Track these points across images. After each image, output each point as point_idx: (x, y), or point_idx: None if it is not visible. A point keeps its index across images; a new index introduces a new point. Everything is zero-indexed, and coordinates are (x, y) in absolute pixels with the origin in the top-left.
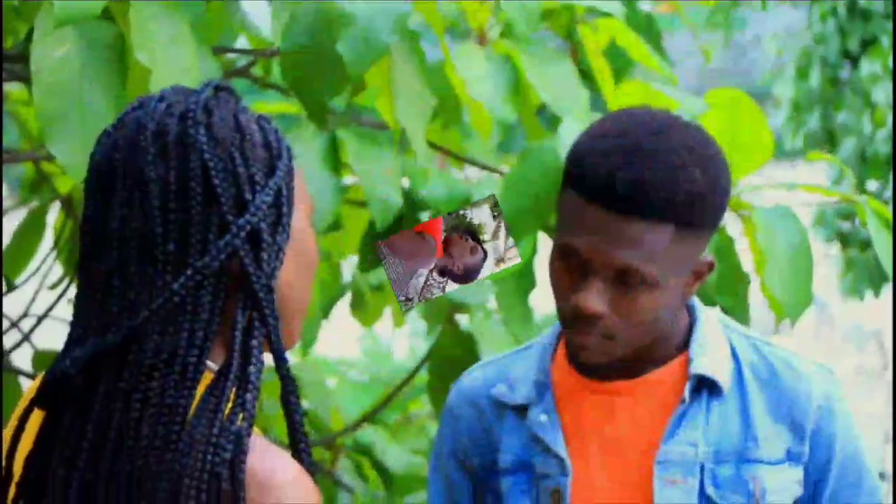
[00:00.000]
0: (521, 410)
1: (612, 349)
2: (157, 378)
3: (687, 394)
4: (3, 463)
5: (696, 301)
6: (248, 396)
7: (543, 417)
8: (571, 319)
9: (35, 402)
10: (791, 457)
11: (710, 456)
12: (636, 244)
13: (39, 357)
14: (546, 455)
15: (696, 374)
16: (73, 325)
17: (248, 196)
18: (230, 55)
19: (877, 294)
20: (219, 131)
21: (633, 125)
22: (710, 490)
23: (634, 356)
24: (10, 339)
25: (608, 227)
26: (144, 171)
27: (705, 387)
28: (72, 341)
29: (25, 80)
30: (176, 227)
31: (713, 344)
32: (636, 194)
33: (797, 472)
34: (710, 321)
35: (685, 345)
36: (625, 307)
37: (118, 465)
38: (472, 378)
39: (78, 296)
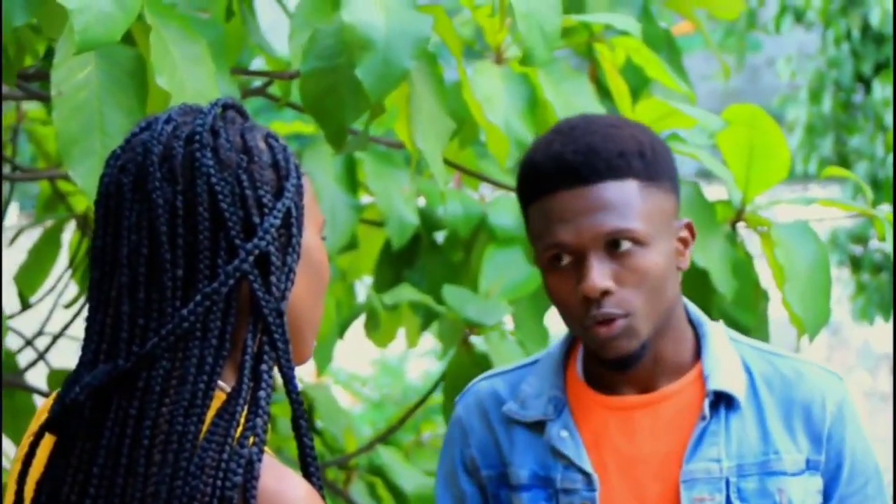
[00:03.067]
0: (536, 427)
1: (636, 331)
2: (167, 405)
3: (707, 410)
4: (15, 487)
5: (700, 315)
6: (259, 421)
7: (564, 433)
8: (585, 314)
9: (46, 427)
10: (811, 466)
11: (734, 470)
12: (612, 206)
13: (54, 375)
14: (568, 470)
15: (714, 389)
16: (84, 349)
17: (257, 219)
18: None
19: (887, 318)
20: (226, 154)
21: (559, 125)
22: None
23: (649, 359)
24: (25, 358)
25: (579, 204)
26: (152, 197)
27: (722, 401)
28: (82, 366)
29: (42, 98)
30: (184, 253)
31: (725, 357)
32: (588, 158)
33: (818, 481)
34: (718, 334)
35: (695, 358)
36: (627, 276)
37: (129, 491)
38: (479, 389)
39: (88, 319)
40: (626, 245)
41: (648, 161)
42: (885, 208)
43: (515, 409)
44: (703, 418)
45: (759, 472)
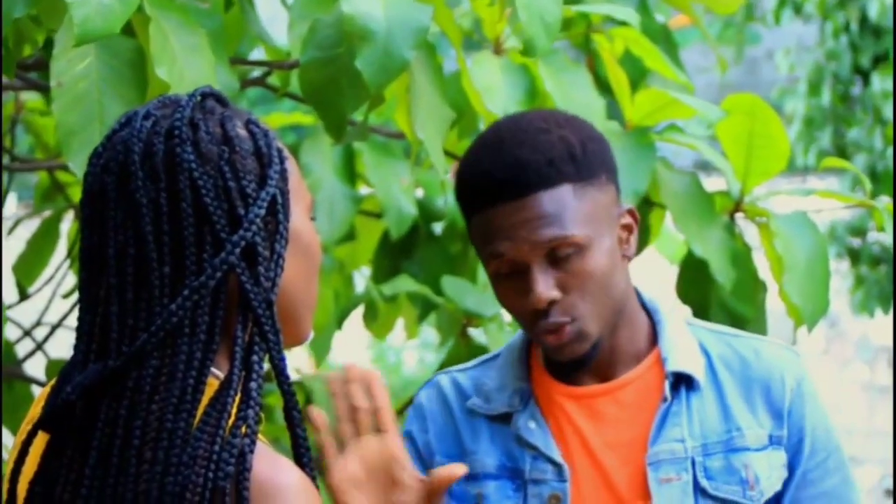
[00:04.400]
0: (502, 419)
1: (586, 334)
2: (156, 402)
3: (668, 392)
4: (8, 486)
5: (655, 302)
6: (251, 412)
7: (532, 424)
8: (535, 323)
9: (38, 425)
10: (773, 441)
11: (699, 450)
12: (547, 216)
13: (53, 366)
14: (538, 460)
15: (673, 370)
16: (75, 348)
17: (241, 211)
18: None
19: (886, 311)
20: (206, 147)
21: (487, 133)
22: (704, 483)
23: (606, 350)
24: (23, 348)
25: (514, 217)
26: (135, 197)
27: (682, 383)
28: (73, 365)
29: (41, 89)
30: (170, 250)
31: (681, 340)
32: (516, 172)
33: (782, 456)
34: (673, 319)
35: (652, 343)
36: (571, 281)
37: (121, 491)
38: (440, 381)
39: (79, 319)
40: (566, 251)
41: (580, 162)
42: (885, 199)
43: (479, 404)
44: (665, 400)
45: (724, 449)
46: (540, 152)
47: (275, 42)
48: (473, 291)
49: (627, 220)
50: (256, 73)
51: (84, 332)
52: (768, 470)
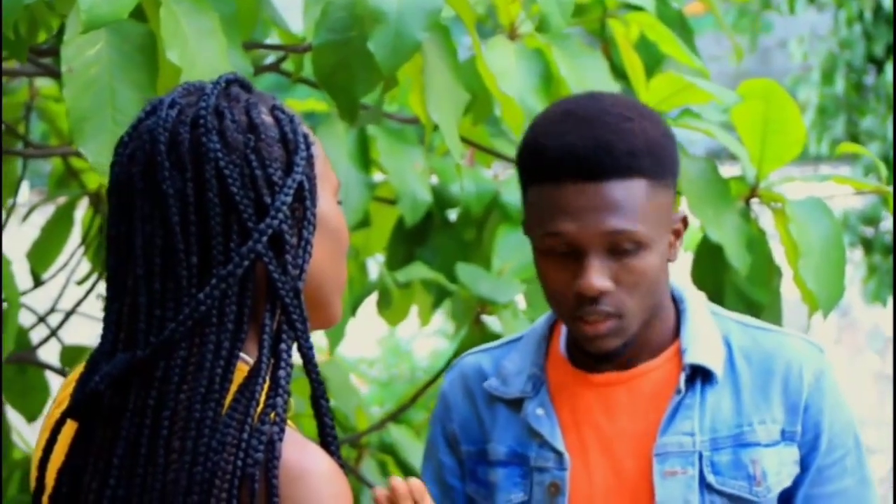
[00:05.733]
0: (515, 404)
1: (625, 328)
2: (185, 391)
3: (682, 384)
4: (36, 473)
5: (682, 290)
6: (279, 400)
7: (540, 411)
8: (576, 309)
9: (67, 414)
10: (786, 437)
11: (707, 444)
12: (619, 206)
13: (67, 352)
14: (542, 448)
15: (691, 363)
16: (103, 338)
17: (268, 199)
18: (262, 50)
19: None
20: (232, 136)
21: (570, 106)
22: (710, 478)
23: (632, 346)
24: (37, 335)
25: (585, 200)
26: (162, 188)
27: (699, 375)
28: (101, 355)
29: (55, 75)
30: (197, 240)
31: (704, 331)
32: (602, 155)
33: (794, 452)
34: (699, 309)
35: (675, 334)
36: (625, 277)
37: (150, 480)
38: (464, 365)
39: (106, 308)
40: (627, 246)
41: (657, 159)
42: None
43: (496, 386)
44: (679, 392)
45: (733, 444)
46: (623, 140)
47: (288, 26)
48: (488, 278)
49: (679, 226)
50: (271, 58)
51: (112, 322)
52: (778, 466)
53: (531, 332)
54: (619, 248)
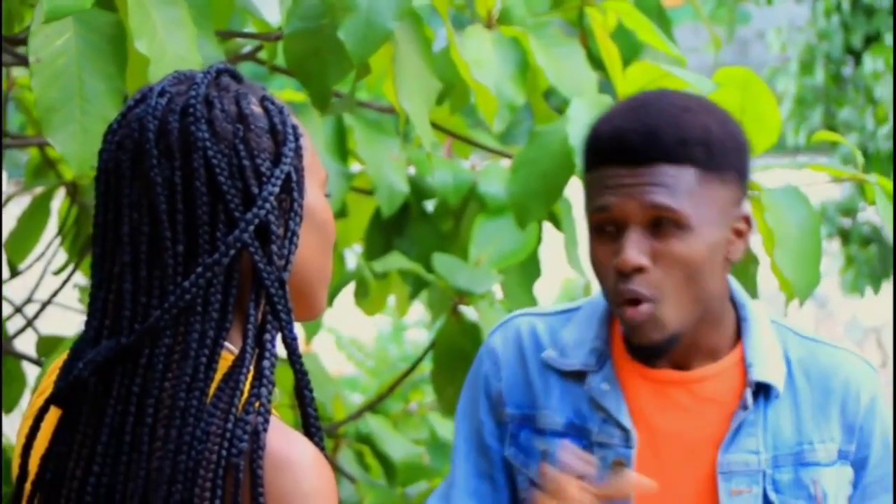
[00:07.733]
0: (574, 375)
1: (662, 322)
2: (169, 379)
3: (749, 401)
4: (19, 460)
5: (744, 296)
6: (264, 390)
7: (605, 386)
8: (616, 287)
9: (50, 401)
10: (842, 456)
11: (770, 462)
12: (663, 184)
13: (43, 342)
14: (607, 423)
15: (757, 380)
16: (87, 325)
17: (255, 189)
18: (238, 40)
19: (876, 291)
20: (221, 125)
21: (637, 97)
22: (772, 496)
23: (686, 342)
24: (13, 325)
25: (630, 178)
26: (150, 175)
27: (762, 391)
28: (85, 342)
29: (28, 64)
30: (184, 229)
31: (767, 344)
32: (649, 140)
33: (849, 472)
34: (761, 317)
35: (735, 340)
36: (664, 257)
37: (135, 467)
38: (519, 325)
39: (91, 295)
40: (669, 224)
41: (712, 151)
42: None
43: (555, 357)
44: (745, 408)
45: (794, 463)
46: (677, 128)
47: (262, 15)
48: (464, 269)
49: (742, 225)
50: (248, 48)
51: (97, 309)
52: (836, 487)
53: (590, 306)
54: (661, 226)
